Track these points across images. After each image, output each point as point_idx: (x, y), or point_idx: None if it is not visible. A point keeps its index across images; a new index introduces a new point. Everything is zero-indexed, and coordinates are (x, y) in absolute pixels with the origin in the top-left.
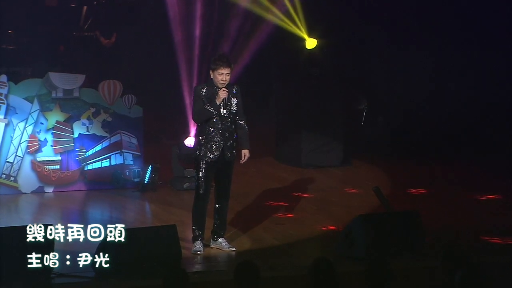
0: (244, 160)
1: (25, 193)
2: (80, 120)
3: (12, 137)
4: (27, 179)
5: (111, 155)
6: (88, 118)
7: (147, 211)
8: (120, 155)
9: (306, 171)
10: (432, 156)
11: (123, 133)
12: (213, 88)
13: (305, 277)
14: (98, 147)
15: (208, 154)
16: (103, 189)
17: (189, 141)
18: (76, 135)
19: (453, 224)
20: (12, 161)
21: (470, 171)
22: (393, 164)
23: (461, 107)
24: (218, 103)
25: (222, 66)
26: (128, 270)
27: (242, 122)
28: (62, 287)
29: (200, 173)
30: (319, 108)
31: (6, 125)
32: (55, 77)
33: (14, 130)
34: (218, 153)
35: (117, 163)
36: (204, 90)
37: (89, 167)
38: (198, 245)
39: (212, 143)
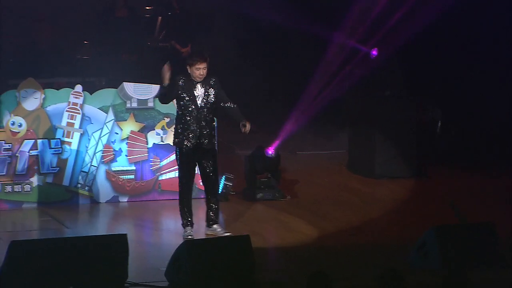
0: (246, 129)
1: (100, 202)
2: (154, 130)
3: (87, 147)
4: (101, 189)
5: None
6: (162, 128)
7: (220, 221)
8: None
9: (379, 181)
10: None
11: None
12: (191, 81)
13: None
14: (172, 157)
15: (185, 142)
16: (177, 199)
17: (271, 150)
18: (150, 145)
19: None
20: (87, 171)
21: None
22: (469, 176)
23: None
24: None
25: (199, 61)
26: (201, 280)
27: (228, 104)
28: None
29: (180, 160)
30: (392, 117)
31: (81, 135)
32: (129, 87)
33: (89, 140)
34: (194, 140)
35: None
36: (181, 81)
37: (163, 177)
38: (189, 230)
39: (189, 131)
